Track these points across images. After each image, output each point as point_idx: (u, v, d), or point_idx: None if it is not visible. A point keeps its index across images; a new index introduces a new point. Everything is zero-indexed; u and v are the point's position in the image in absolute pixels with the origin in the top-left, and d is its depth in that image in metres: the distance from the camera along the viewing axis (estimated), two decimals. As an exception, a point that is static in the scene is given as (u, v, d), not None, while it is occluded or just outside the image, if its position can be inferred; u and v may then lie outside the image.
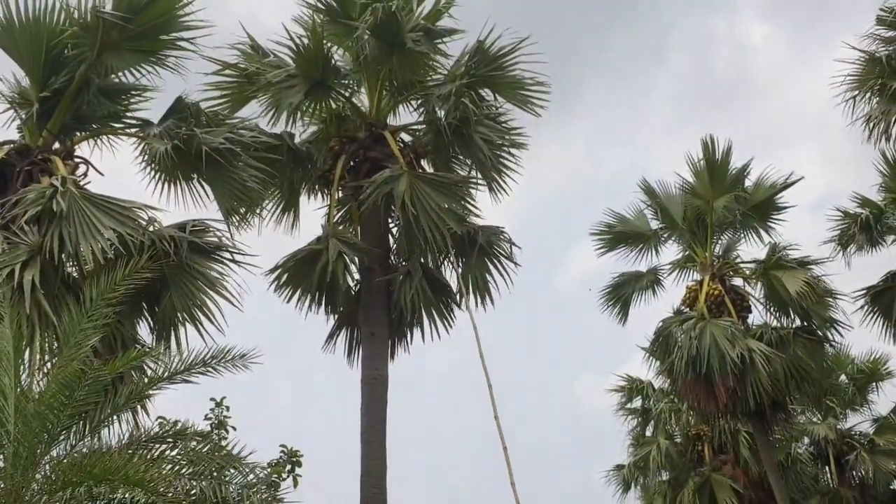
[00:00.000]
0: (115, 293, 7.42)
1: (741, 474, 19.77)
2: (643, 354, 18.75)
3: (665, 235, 18.25)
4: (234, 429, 11.16)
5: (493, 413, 10.37)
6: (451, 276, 12.76)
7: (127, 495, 6.46)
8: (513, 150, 12.83)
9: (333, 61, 12.54)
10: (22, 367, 7.30)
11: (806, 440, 21.89)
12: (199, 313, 9.16)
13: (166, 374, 7.99)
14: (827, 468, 21.39)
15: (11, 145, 9.97)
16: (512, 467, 9.92)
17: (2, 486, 6.84)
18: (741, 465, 19.88)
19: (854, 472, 20.66)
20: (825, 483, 21.39)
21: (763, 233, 17.61)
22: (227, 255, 9.45)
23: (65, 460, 7.11)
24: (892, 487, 20.54)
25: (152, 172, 10.44)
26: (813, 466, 21.87)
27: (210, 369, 7.95)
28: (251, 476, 8.29)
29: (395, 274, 12.20)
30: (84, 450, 7.29)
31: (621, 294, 18.17)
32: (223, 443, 9.76)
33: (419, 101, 13.09)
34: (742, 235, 17.86)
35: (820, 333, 17.23)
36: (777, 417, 17.42)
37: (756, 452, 18.57)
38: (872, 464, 19.87)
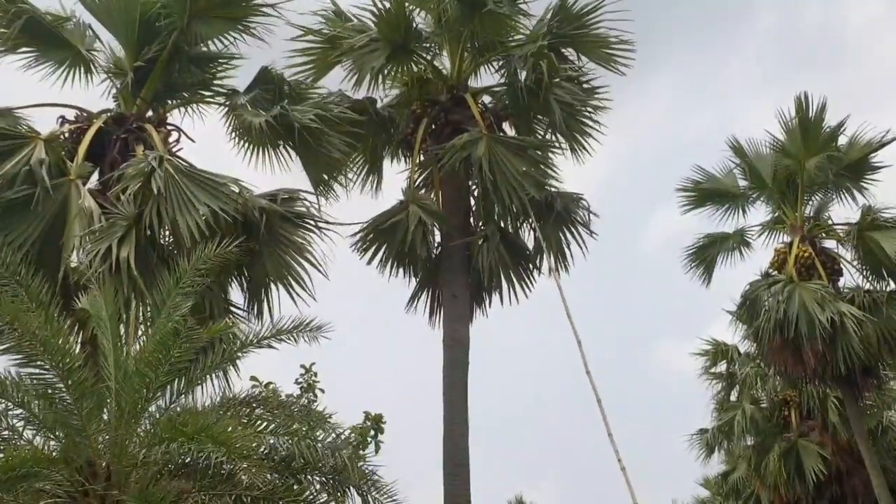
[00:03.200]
0: (207, 265, 7.74)
1: (829, 441, 19.34)
2: (728, 318, 18.39)
3: (753, 195, 17.72)
4: (323, 391, 11.51)
5: (585, 368, 10.31)
6: (529, 239, 12.80)
7: (212, 454, 6.78)
8: (593, 112, 12.67)
9: (415, 24, 12.56)
10: (120, 331, 7.70)
11: (899, 407, 21.20)
12: (290, 280, 9.53)
13: (255, 339, 8.34)
14: (921, 436, 20.69)
15: (109, 114, 10.42)
16: (608, 420, 9.86)
17: (107, 437, 7.26)
18: (829, 432, 19.44)
19: (950, 441, 19.94)
20: (920, 451, 20.73)
21: (857, 193, 16.94)
22: (315, 224, 9.77)
23: (163, 416, 7.51)
24: None
25: (242, 142, 10.79)
26: (906, 434, 21.21)
27: (291, 337, 8.25)
28: (337, 437, 8.61)
29: (474, 237, 12.29)
30: (178, 409, 7.67)
31: (706, 255, 17.81)
32: (312, 406, 10.10)
33: (500, 63, 13.01)
34: (834, 196, 17.24)
35: (916, 297, 16.58)
36: (868, 383, 16.91)
37: (845, 419, 18.10)
38: (969, 432, 19.17)
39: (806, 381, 17.41)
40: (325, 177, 10.97)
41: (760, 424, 20.59)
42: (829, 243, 17.30)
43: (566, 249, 12.63)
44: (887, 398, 20.40)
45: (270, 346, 8.38)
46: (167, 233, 9.14)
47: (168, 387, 7.70)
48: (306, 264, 9.53)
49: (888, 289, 16.59)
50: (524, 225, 12.83)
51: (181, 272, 7.66)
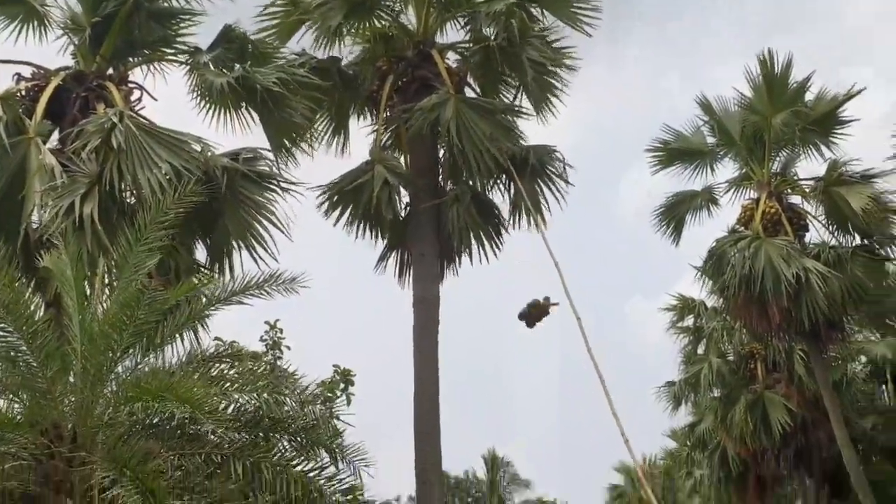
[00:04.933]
0: (167, 217, 7.66)
1: (795, 393, 19.69)
2: (696, 274, 18.55)
3: (721, 153, 17.77)
4: (289, 348, 11.48)
5: (575, 315, 10.34)
6: (501, 198, 12.79)
7: (177, 412, 6.79)
8: (562, 72, 12.59)
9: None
10: (85, 291, 7.63)
11: (863, 359, 21.63)
12: (252, 240, 9.46)
13: (223, 295, 8.29)
14: (884, 387, 21.19)
15: (67, 71, 10.18)
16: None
17: (73, 399, 7.23)
18: (795, 384, 19.79)
19: (912, 391, 20.42)
20: (882, 402, 21.23)
21: (824, 148, 17.03)
22: (277, 184, 9.66)
23: (128, 377, 7.49)
24: (951, 405, 20.30)
25: (204, 102, 10.61)
26: (869, 386, 21.68)
27: (263, 292, 8.21)
28: (306, 393, 8.65)
29: (444, 198, 12.25)
30: (146, 368, 7.64)
31: (675, 213, 17.89)
32: (278, 363, 10.09)
33: (467, 19, 12.85)
34: (801, 152, 17.34)
35: (881, 252, 16.84)
36: (833, 337, 17.21)
37: (811, 371, 18.42)
38: (932, 382, 19.60)
39: (771, 335, 17.68)
40: (287, 142, 10.80)
41: (727, 377, 20.92)
42: (797, 199, 17.49)
43: (541, 204, 12.60)
44: (852, 351, 20.80)
45: (240, 303, 8.33)
46: (130, 192, 9.01)
47: (134, 348, 7.67)
48: (269, 224, 9.45)
49: (853, 244, 16.83)
50: (495, 184, 12.81)
51: (142, 226, 7.57)
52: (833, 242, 16.92)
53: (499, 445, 39.91)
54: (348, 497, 8.32)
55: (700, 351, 22.09)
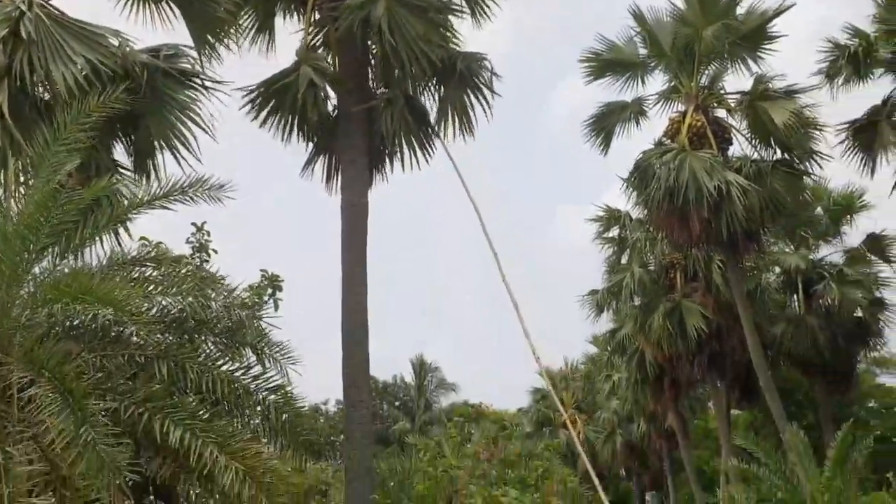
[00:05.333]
0: (89, 119, 7.35)
1: (711, 301, 20.43)
2: (623, 186, 18.83)
3: (652, 64, 17.88)
4: (216, 252, 11.28)
5: (482, 226, 10.46)
6: (431, 104, 12.62)
7: (99, 314, 6.69)
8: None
9: None
10: (-3, 189, 7.36)
11: (777, 270, 22.47)
12: (175, 141, 9.13)
13: (146, 198, 8.10)
14: (795, 296, 22.09)
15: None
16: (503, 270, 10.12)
17: (-14, 300, 7.05)
18: (713, 293, 20.51)
19: (821, 301, 21.30)
20: (792, 311, 22.16)
21: (752, 63, 17.28)
22: (200, 82, 9.29)
23: (46, 278, 7.32)
24: (855, 315, 21.27)
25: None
26: (782, 295, 22.61)
27: (188, 198, 8.02)
28: (233, 296, 8.61)
29: (376, 101, 12.02)
30: (65, 270, 7.47)
31: (604, 124, 18.05)
32: (205, 266, 9.93)
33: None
34: (730, 66, 17.55)
35: (800, 166, 17.37)
36: (749, 248, 17.85)
37: (728, 280, 19.09)
38: (839, 293, 20.47)
39: (691, 245, 18.21)
40: (210, 38, 10.31)
41: (647, 286, 21.57)
42: (722, 113, 17.79)
43: (469, 111, 12.44)
44: (767, 261, 21.57)
45: (164, 207, 8.14)
46: (43, 87, 8.57)
47: (52, 249, 7.47)
48: (192, 125, 9.13)
49: (774, 158, 17.30)
50: (426, 88, 12.61)
51: (61, 124, 7.26)
52: (755, 156, 17.39)
53: (426, 351, 40.83)
54: (275, 395, 8.39)
55: (624, 261, 22.68)
